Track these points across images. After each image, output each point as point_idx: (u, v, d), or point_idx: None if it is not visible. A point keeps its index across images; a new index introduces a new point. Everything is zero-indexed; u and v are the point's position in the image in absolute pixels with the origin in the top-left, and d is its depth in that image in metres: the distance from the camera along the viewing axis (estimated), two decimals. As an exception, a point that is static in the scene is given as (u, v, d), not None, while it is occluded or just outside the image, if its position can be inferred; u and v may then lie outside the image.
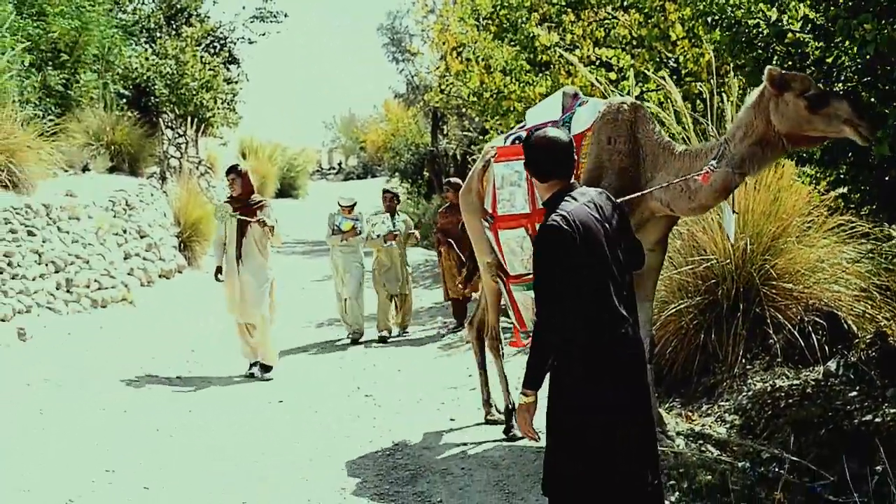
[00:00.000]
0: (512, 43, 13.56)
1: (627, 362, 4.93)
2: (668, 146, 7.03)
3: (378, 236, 13.73)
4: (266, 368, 11.31)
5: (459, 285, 13.02)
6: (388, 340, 13.56)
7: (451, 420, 9.07)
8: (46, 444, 8.43)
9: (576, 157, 5.34)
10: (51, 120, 17.42)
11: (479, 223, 8.23)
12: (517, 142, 7.59)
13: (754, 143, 6.48)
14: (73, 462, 7.96)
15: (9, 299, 12.03)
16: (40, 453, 8.15)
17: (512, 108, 12.82)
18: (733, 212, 6.97)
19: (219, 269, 11.34)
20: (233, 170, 11.56)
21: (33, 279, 13.10)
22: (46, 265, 13.63)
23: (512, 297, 7.90)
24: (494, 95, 13.22)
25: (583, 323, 4.84)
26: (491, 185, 7.82)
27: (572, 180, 5.14)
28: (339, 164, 66.07)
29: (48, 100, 18.63)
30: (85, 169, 18.72)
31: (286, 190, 40.41)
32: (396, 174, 36.12)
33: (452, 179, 14.22)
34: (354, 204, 13.88)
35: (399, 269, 13.96)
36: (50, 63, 19.33)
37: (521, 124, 8.38)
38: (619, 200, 5.53)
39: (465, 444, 8.30)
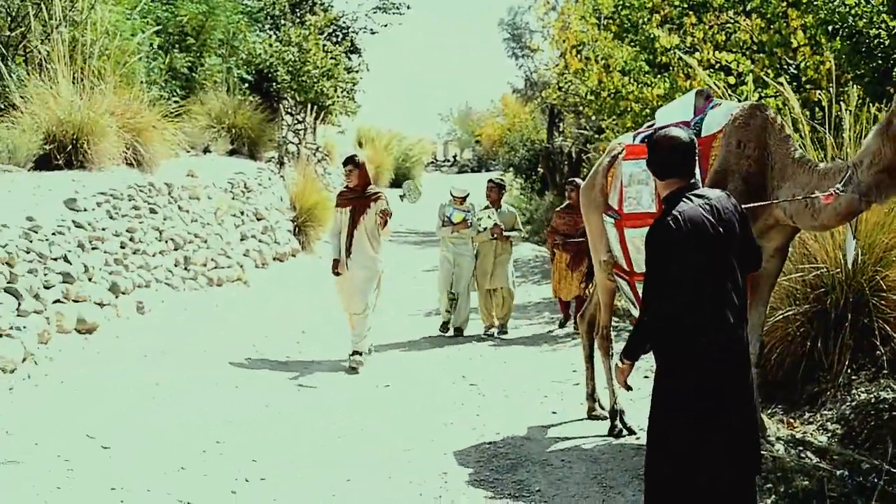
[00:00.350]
0: (632, 43, 13.56)
1: (718, 365, 4.99)
2: (798, 157, 6.96)
3: (484, 229, 13.72)
4: (357, 353, 11.33)
5: (581, 284, 12.99)
6: (495, 335, 13.62)
7: (554, 413, 9.18)
8: (161, 413, 8.74)
9: (698, 158, 5.41)
10: (175, 101, 17.84)
11: (599, 219, 8.27)
12: (646, 141, 7.61)
13: (881, 170, 6.31)
14: (185, 432, 8.25)
15: (130, 273, 12.38)
16: (155, 422, 8.46)
17: (629, 109, 12.84)
18: (853, 237, 6.94)
19: (336, 263, 11.49)
20: (350, 161, 11.67)
21: (153, 255, 13.49)
22: (166, 242, 14.04)
23: (637, 294, 7.93)
24: (612, 95, 13.25)
25: (685, 322, 4.92)
26: (618, 182, 7.85)
27: (693, 180, 5.22)
28: (454, 156, 66.40)
29: (173, 82, 19.09)
30: (206, 150, 19.17)
31: (401, 180, 40.69)
32: (510, 169, 36.17)
33: (576, 180, 13.93)
34: (467, 195, 13.86)
35: (491, 264, 13.78)
36: (177, 46, 19.82)
37: (651, 123, 8.39)
38: (746, 206, 5.59)
39: (565, 437, 8.41)
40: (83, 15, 15.39)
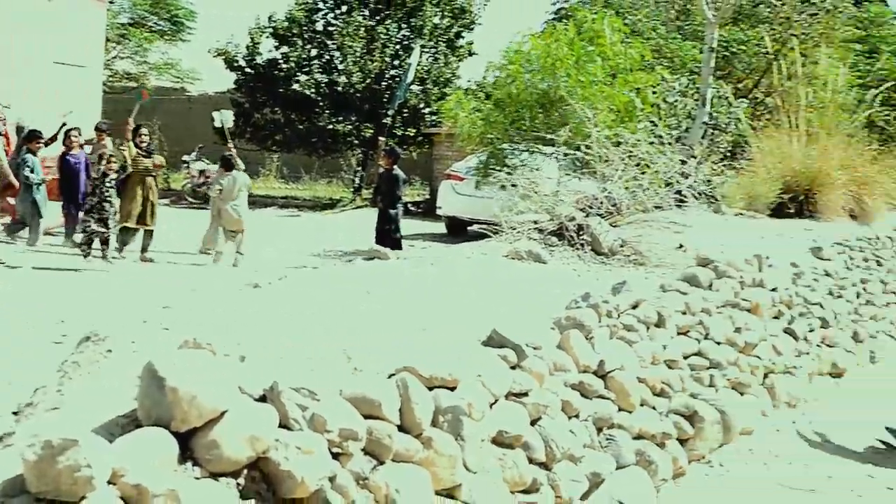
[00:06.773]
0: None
1: None
2: None
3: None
4: None
5: None
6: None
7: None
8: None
9: None
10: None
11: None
12: None
13: None
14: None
15: (864, 322, 12.57)
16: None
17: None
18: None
19: None
20: None
21: (880, 307, 13.57)
22: (890, 294, 14.22)
23: None
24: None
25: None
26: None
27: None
28: None
29: (871, 135, 19.86)
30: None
31: None
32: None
33: None
34: None
35: None
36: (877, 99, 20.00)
37: None
38: None
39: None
40: (806, 69, 18.08)
